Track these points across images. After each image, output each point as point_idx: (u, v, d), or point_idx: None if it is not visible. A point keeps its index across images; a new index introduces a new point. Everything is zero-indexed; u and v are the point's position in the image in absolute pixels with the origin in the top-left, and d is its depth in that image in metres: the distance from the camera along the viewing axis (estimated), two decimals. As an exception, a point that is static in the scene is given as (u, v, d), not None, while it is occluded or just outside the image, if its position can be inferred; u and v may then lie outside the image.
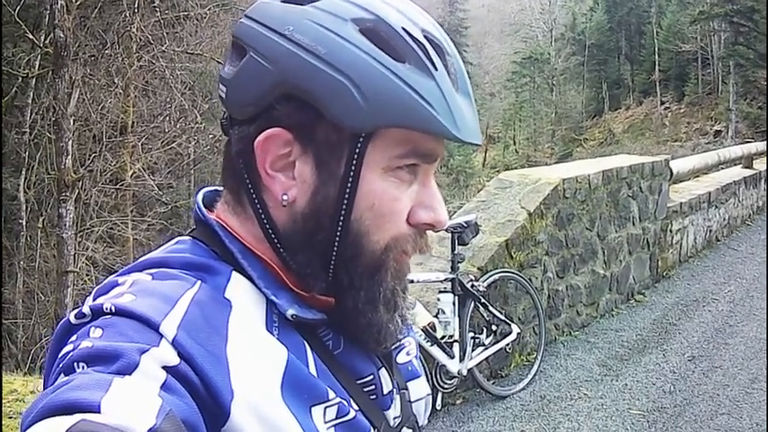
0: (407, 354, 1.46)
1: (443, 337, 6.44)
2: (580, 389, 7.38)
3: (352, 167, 1.11)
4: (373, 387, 1.27)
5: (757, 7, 50.24)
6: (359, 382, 1.25)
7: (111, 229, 19.74)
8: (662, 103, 73.50)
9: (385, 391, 1.29)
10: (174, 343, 0.99)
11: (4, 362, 14.70)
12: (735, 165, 17.01)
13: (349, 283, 1.17)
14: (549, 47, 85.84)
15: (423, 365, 1.47)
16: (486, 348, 6.91)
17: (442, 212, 1.21)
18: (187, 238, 1.25)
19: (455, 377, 6.57)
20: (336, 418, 1.14)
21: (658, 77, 73.62)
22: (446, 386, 6.59)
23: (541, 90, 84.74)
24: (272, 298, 1.15)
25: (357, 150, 1.11)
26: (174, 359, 0.97)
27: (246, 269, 1.17)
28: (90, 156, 18.59)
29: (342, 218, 1.13)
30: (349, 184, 1.12)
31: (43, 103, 18.49)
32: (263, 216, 1.18)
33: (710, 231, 13.75)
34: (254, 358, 1.07)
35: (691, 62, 70.45)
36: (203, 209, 1.25)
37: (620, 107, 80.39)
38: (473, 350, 6.74)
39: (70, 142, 15.34)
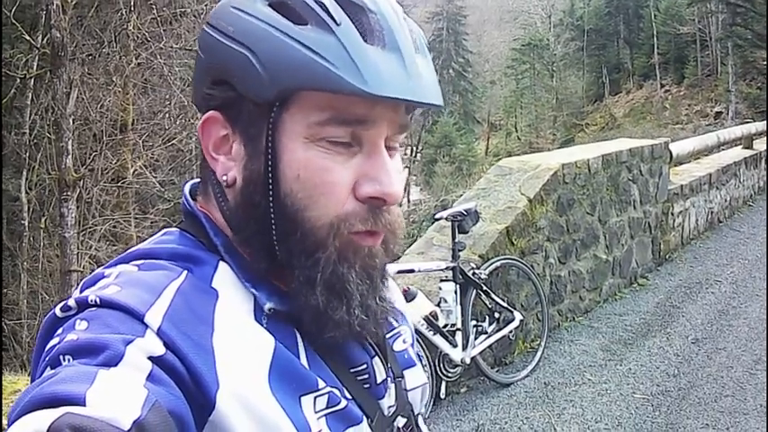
0: (403, 342, 1.45)
1: (446, 326, 6.45)
2: (584, 374, 7.38)
3: (269, 138, 1.11)
4: (367, 376, 1.27)
5: (754, -13, 50.27)
6: (352, 370, 1.25)
7: (113, 227, 19.70)
8: (662, 86, 73.47)
9: (378, 380, 1.29)
10: (160, 333, 0.99)
11: (9, 362, 14.72)
12: (735, 146, 16.96)
13: (288, 261, 1.15)
14: (548, 33, 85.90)
15: (424, 353, 1.45)
16: (489, 336, 6.90)
17: (390, 184, 1.14)
18: (174, 229, 1.26)
19: (458, 366, 6.58)
20: (327, 407, 1.15)
21: (657, 60, 73.53)
22: (449, 375, 6.60)
23: (542, 76, 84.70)
24: (253, 291, 1.16)
25: (271, 120, 1.11)
26: (159, 349, 0.98)
27: (229, 262, 1.18)
28: (91, 155, 18.58)
29: (270, 192, 1.12)
30: (270, 156, 1.11)
31: (42, 103, 18.45)
32: (221, 200, 1.20)
33: (712, 213, 13.74)
34: (241, 348, 1.08)
35: (689, 44, 70.41)
36: (190, 200, 1.26)
37: (621, 91, 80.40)
38: (476, 338, 6.73)
39: (70, 142, 15.35)
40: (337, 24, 1.08)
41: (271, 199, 1.12)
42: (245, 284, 1.16)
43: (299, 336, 1.17)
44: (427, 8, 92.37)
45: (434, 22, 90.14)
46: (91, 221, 18.70)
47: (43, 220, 19.30)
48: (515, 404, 6.80)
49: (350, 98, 1.08)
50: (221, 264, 1.18)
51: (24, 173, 18.95)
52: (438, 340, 6.34)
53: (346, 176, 1.13)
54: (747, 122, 22.23)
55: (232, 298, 1.13)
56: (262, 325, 1.13)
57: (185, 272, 1.12)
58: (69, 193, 15.01)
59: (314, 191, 1.11)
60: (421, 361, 1.52)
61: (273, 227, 1.13)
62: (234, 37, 1.12)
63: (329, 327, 1.14)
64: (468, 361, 6.56)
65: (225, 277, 1.16)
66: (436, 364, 6.43)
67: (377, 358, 1.30)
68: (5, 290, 17.54)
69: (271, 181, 1.12)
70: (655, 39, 73.41)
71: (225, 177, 1.17)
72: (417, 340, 6.11)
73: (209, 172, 1.22)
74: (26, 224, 18.73)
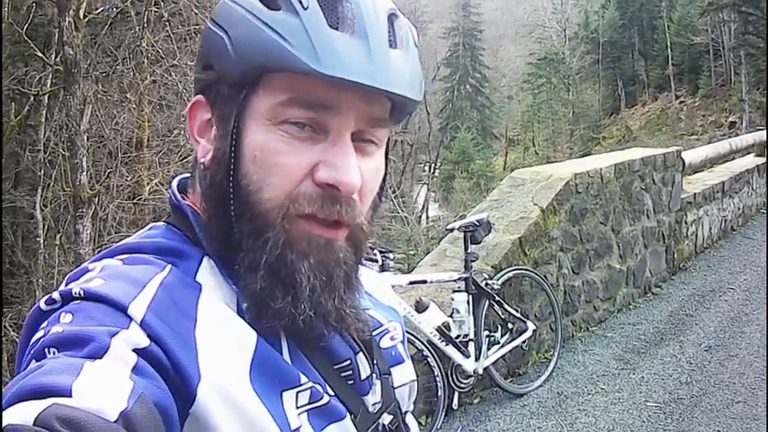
0: (392, 339, 1.45)
1: (458, 337, 6.44)
2: (597, 384, 7.37)
3: (236, 118, 1.13)
4: (350, 372, 1.26)
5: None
6: (335, 366, 1.24)
7: (129, 244, 19.67)
8: (677, 97, 73.23)
9: (363, 377, 1.28)
10: (143, 325, 1.00)
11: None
12: (747, 153, 16.85)
13: (238, 245, 1.14)
14: (563, 46, 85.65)
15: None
16: (502, 346, 6.89)
17: (347, 172, 1.11)
18: (161, 224, 1.27)
19: (471, 376, 6.58)
20: (309, 403, 1.15)
21: (672, 72, 73.29)
22: (462, 385, 6.59)
23: (558, 90, 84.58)
24: (234, 288, 1.16)
25: (240, 101, 1.12)
26: (143, 341, 0.98)
27: (212, 257, 1.18)
28: (106, 171, 18.60)
29: (231, 173, 1.12)
30: (234, 137, 1.13)
31: (56, 120, 18.47)
32: (202, 185, 1.22)
33: (725, 221, 13.69)
34: (223, 341, 1.08)
35: (703, 54, 70.12)
36: (177, 195, 1.27)
37: (637, 104, 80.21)
38: (489, 348, 6.73)
39: (85, 159, 15.36)
40: (304, 9, 1.09)
41: (231, 179, 1.13)
42: (226, 281, 1.17)
43: (281, 331, 1.17)
44: (443, 24, 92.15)
45: (450, 38, 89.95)
46: (106, 238, 18.66)
47: (58, 236, 19.25)
48: (528, 414, 6.80)
49: (313, 81, 1.08)
50: (206, 258, 1.19)
51: (39, 190, 18.95)
52: (451, 351, 6.34)
53: (302, 161, 1.12)
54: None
55: (216, 292, 1.14)
56: (244, 319, 1.13)
57: (169, 266, 1.13)
58: (84, 210, 15.01)
59: (267, 172, 1.11)
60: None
61: (232, 208, 1.13)
62: (216, 21, 1.15)
63: (267, 315, 1.13)
64: (480, 371, 6.56)
65: (209, 271, 1.17)
66: (449, 374, 6.43)
67: (361, 354, 1.29)
68: (21, 307, 17.57)
69: (233, 161, 1.13)
70: (669, 50, 73.19)
71: (203, 160, 1.19)
72: (430, 351, 6.12)
73: (196, 160, 1.24)
74: (41, 241, 18.71)
